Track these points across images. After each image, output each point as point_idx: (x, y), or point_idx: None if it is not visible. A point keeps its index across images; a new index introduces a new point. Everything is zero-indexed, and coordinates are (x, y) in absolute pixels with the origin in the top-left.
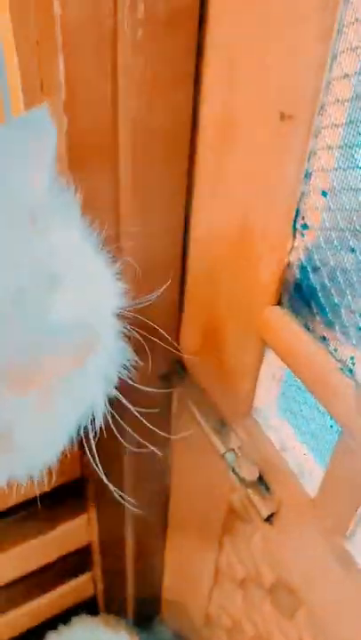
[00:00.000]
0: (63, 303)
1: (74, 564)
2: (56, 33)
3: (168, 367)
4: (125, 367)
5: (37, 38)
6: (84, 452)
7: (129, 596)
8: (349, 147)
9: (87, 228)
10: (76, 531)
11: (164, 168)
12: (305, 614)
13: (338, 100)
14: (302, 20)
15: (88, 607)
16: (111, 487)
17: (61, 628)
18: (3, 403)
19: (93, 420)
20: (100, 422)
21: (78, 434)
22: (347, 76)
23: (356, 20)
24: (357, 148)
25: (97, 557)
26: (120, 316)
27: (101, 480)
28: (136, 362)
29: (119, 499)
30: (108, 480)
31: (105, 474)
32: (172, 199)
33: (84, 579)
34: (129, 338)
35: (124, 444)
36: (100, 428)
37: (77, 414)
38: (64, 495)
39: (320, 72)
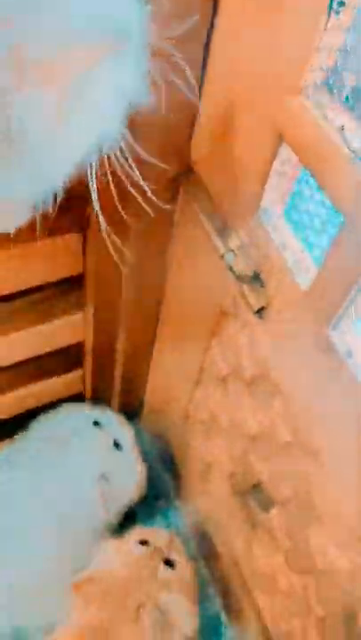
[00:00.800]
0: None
1: (65, 360)
2: None
3: (178, 168)
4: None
5: None
6: (85, 251)
7: (114, 396)
8: None
9: None
10: (70, 327)
11: None
12: (280, 403)
13: None
14: None
15: (75, 401)
16: (112, 243)
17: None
18: (19, 96)
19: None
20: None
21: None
22: None
23: None
24: None
25: (88, 356)
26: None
27: (102, 278)
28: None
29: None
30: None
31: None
32: None
33: (73, 375)
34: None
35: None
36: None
37: (92, 135)
38: (64, 290)
39: None
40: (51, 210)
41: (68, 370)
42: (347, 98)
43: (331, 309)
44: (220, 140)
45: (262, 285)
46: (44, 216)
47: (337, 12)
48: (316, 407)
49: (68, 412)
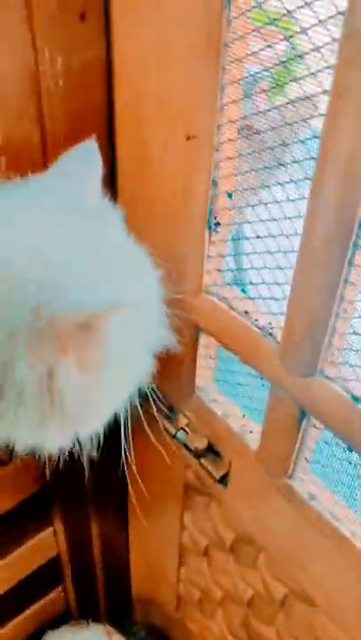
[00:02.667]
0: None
1: (43, 579)
2: None
3: None
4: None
5: None
6: (43, 465)
7: (101, 602)
8: (244, 156)
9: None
10: (43, 544)
11: None
12: (264, 558)
13: (230, 121)
14: (196, 64)
15: (62, 621)
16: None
17: None
18: (61, 367)
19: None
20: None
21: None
22: (234, 101)
23: (236, 59)
24: (250, 156)
25: (67, 568)
26: None
27: (65, 487)
28: None
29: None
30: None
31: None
32: None
33: (55, 593)
34: None
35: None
36: None
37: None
38: (26, 511)
39: (214, 100)
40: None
41: (48, 590)
42: (243, 290)
43: (283, 461)
44: None
45: (218, 455)
46: None
47: (216, 231)
48: (298, 553)
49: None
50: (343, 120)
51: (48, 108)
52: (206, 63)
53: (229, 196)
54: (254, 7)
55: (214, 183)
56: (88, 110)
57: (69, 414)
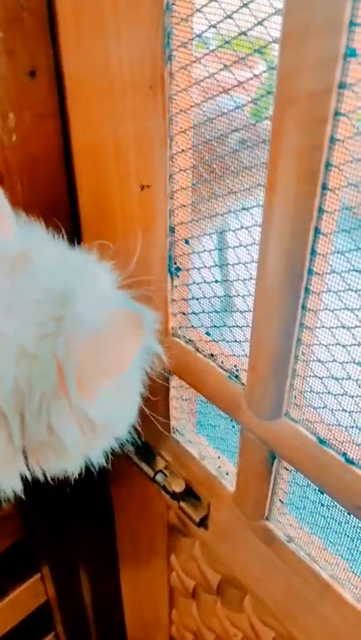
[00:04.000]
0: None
1: (34, 627)
2: None
3: None
4: None
5: None
6: (23, 512)
7: None
8: (197, 203)
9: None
10: (31, 591)
11: None
12: (249, 601)
13: (181, 170)
14: (144, 116)
15: None
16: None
17: None
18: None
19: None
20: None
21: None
22: (183, 151)
23: (181, 110)
24: (203, 203)
25: (57, 614)
26: None
27: (52, 532)
28: None
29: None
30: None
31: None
32: None
33: None
34: None
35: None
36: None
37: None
38: (12, 558)
39: (164, 150)
40: None
41: (40, 637)
42: (208, 333)
43: (258, 503)
44: None
45: (197, 497)
46: None
47: (177, 275)
48: (281, 596)
49: None
50: (282, 170)
51: (3, 161)
52: (154, 115)
53: (186, 242)
54: (194, 62)
55: (172, 230)
56: (45, 162)
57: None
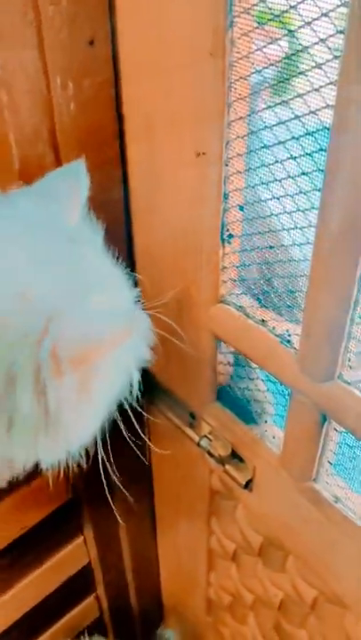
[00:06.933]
0: (98, 301)
1: (77, 588)
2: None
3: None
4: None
5: None
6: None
7: (133, 609)
8: (253, 169)
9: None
10: (74, 553)
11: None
12: (293, 561)
13: (238, 136)
14: (202, 83)
15: (96, 628)
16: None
17: None
18: (54, 382)
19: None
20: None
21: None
22: (241, 118)
23: (241, 77)
24: (259, 170)
25: (98, 575)
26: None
27: (95, 497)
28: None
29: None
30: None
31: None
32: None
33: (88, 601)
34: None
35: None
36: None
37: (110, 405)
38: (57, 521)
39: (221, 117)
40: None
41: (81, 599)
42: (259, 299)
43: (306, 465)
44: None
45: (242, 460)
46: None
47: (229, 242)
48: (326, 555)
49: None
50: (347, 135)
51: (61, 131)
52: (213, 81)
53: (240, 208)
54: (256, 28)
55: (225, 197)
56: (99, 131)
57: (62, 430)
